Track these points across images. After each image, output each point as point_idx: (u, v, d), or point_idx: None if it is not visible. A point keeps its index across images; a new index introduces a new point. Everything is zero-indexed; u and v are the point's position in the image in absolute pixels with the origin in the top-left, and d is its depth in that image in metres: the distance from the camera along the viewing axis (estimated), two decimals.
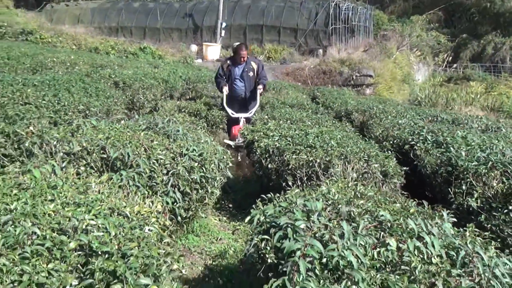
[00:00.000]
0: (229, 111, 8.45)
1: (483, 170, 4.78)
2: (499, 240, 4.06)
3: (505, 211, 4.29)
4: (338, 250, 2.31)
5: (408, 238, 2.60)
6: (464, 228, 3.04)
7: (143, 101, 9.06)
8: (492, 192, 4.59)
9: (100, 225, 2.39)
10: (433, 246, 2.60)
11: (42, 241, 2.13)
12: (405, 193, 4.81)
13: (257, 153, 5.53)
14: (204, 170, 4.27)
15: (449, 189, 4.88)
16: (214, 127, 8.54)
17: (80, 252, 2.20)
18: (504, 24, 44.05)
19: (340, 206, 2.95)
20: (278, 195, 3.35)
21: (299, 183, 4.81)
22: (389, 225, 2.82)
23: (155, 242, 2.56)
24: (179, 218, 3.96)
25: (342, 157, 5.01)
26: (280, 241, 2.55)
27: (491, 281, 2.40)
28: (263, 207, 2.99)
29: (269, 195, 3.30)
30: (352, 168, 4.91)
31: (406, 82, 27.43)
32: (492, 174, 4.75)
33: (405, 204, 3.48)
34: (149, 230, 2.65)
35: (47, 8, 32.58)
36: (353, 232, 2.60)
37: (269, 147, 5.40)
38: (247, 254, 2.94)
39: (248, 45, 9.63)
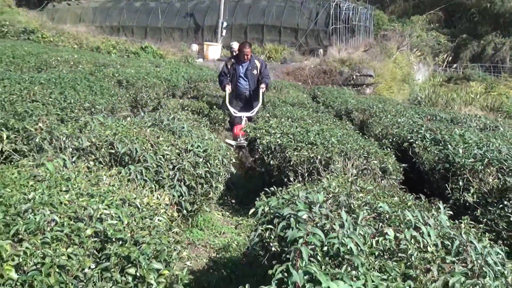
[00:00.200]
0: (232, 110, 8.51)
1: (480, 167, 4.92)
2: (494, 233, 4.21)
3: (500, 206, 4.42)
4: (338, 238, 2.44)
5: (405, 228, 2.74)
6: (460, 221, 3.18)
7: (146, 100, 9.19)
8: (488, 188, 4.73)
9: (113, 215, 2.53)
10: (429, 236, 2.73)
11: (60, 228, 2.27)
12: (403, 187, 4.94)
13: (260, 150, 5.67)
14: (209, 166, 4.41)
15: (447, 185, 5.03)
16: (216, 125, 8.64)
17: (95, 239, 2.33)
18: (504, 24, 44.17)
19: (340, 198, 3.09)
20: (280, 189, 3.48)
21: (301, 179, 4.94)
22: (387, 216, 2.95)
23: (164, 231, 2.69)
24: (184, 211, 4.10)
25: (342, 154, 5.15)
26: (284, 230, 2.68)
27: (483, 268, 2.53)
28: (267, 199, 3.12)
29: (272, 188, 3.43)
30: (352, 165, 5.04)
31: (406, 82, 27.54)
32: (488, 171, 4.89)
33: (403, 198, 3.62)
34: (158, 220, 2.78)
35: (49, 7, 32.69)
36: (352, 223, 2.74)
37: (271, 144, 5.54)
38: (251, 244, 3.08)
39: (251, 43, 9.66)
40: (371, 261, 2.38)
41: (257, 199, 3.19)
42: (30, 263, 1.99)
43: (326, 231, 2.59)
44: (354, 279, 2.10)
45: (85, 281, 2.06)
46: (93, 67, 11.03)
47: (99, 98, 6.95)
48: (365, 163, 5.17)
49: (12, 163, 3.53)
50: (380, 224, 2.86)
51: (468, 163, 5.03)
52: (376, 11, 34.50)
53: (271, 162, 5.39)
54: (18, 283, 1.90)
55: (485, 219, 4.39)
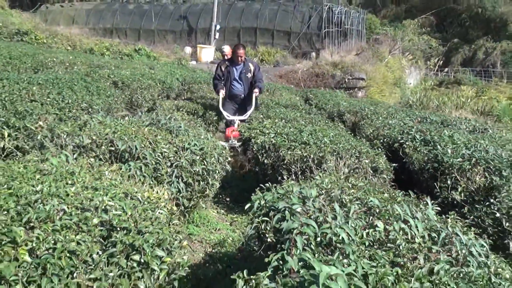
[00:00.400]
0: (225, 113, 8.46)
1: (467, 166, 5.09)
2: (480, 230, 4.37)
3: (487, 203, 4.59)
4: (331, 228, 2.58)
5: (394, 221, 2.88)
6: (447, 216, 3.33)
7: (141, 101, 9.30)
8: (475, 186, 4.90)
9: (117, 206, 2.66)
10: (417, 228, 2.88)
11: (69, 217, 2.40)
12: (394, 184, 5.10)
13: (254, 149, 5.81)
14: (205, 163, 4.55)
15: (435, 184, 5.19)
16: (211, 126, 8.75)
17: (102, 228, 2.47)
18: (495, 29, 44.63)
19: (333, 193, 3.23)
20: (275, 185, 3.62)
21: (294, 177, 5.08)
22: (377, 210, 3.10)
23: (165, 223, 2.83)
24: (182, 207, 4.23)
25: (335, 153, 5.29)
26: (279, 222, 2.82)
27: (467, 258, 2.68)
28: (262, 194, 3.26)
29: (267, 185, 3.56)
30: (344, 164, 5.19)
31: (397, 86, 27.77)
32: (476, 170, 5.06)
33: (393, 194, 3.76)
34: (159, 213, 2.91)
35: (42, 8, 32.73)
36: (344, 215, 2.88)
37: (265, 144, 5.68)
38: (246, 238, 3.21)
39: (245, 46, 9.66)
40: (361, 250, 2.52)
41: (253, 194, 3.32)
42: (42, 248, 2.12)
43: (319, 223, 2.73)
44: (346, 265, 2.24)
45: (93, 265, 2.19)
46: (88, 69, 11.13)
47: (96, 98, 7.07)
48: (357, 162, 5.32)
49: (15, 159, 3.64)
50: (371, 217, 3.01)
51: (456, 163, 5.19)
52: (368, 15, 34.80)
53: (265, 161, 5.53)
54: (32, 266, 2.04)
55: (472, 216, 4.56)
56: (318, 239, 2.61)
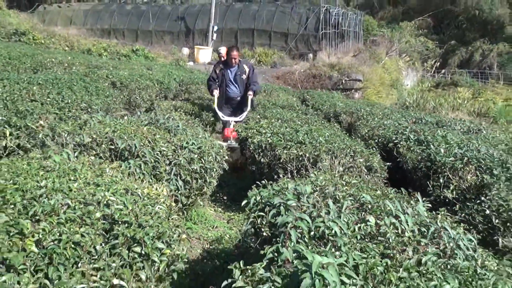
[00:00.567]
0: (220, 114, 8.46)
1: (459, 165, 5.21)
2: (471, 227, 4.49)
3: (478, 201, 4.71)
4: (324, 222, 2.69)
5: (385, 216, 2.99)
6: (437, 212, 3.44)
7: (139, 101, 9.40)
8: (467, 185, 5.02)
9: (118, 201, 2.77)
10: (407, 223, 3.00)
11: (73, 211, 2.51)
12: (386, 182, 5.22)
13: (251, 149, 5.91)
14: (203, 162, 4.66)
15: (428, 182, 5.31)
16: (208, 126, 8.83)
17: (104, 221, 2.57)
18: (492, 31, 44.79)
19: (327, 190, 3.34)
20: (271, 182, 3.72)
21: (290, 176, 5.19)
22: (369, 206, 3.21)
23: (164, 218, 2.93)
24: (180, 204, 4.34)
25: (330, 152, 5.40)
26: (274, 217, 2.93)
27: (455, 251, 2.79)
28: (258, 191, 3.37)
29: (263, 182, 3.67)
30: (339, 162, 5.30)
31: (394, 87, 27.88)
32: (467, 169, 5.17)
33: (385, 191, 3.87)
34: (159, 208, 3.02)
35: (40, 9, 32.80)
36: (337, 211, 2.99)
37: (262, 143, 5.78)
38: (243, 235, 3.32)
39: (239, 48, 9.67)
40: (353, 243, 2.63)
41: (249, 191, 3.43)
42: (48, 239, 2.23)
43: (313, 217, 2.84)
44: (337, 256, 2.35)
45: (96, 256, 2.30)
46: (87, 69, 11.22)
47: (95, 98, 7.16)
48: (351, 161, 5.43)
49: (18, 157, 3.74)
50: (363, 212, 3.12)
51: (448, 162, 5.31)
52: (365, 16, 34.93)
53: (262, 160, 5.64)
54: (39, 256, 2.14)
55: (463, 214, 4.68)
56: (312, 233, 2.72)
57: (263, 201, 3.19)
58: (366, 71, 23.65)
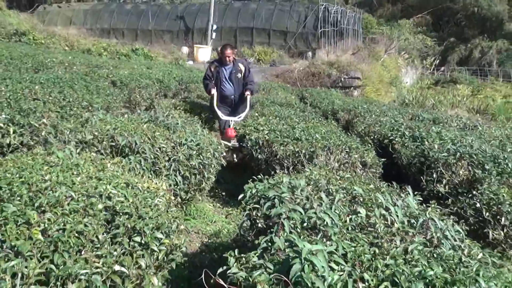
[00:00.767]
0: (219, 113, 8.43)
1: (452, 160, 5.33)
2: (463, 220, 4.61)
3: (469, 195, 4.83)
4: (316, 213, 2.82)
5: (376, 207, 3.12)
6: (427, 205, 3.57)
7: (139, 100, 9.51)
8: (459, 179, 5.15)
9: (119, 194, 2.90)
10: (397, 214, 3.12)
11: (76, 203, 2.64)
12: (379, 177, 5.34)
13: (248, 145, 6.04)
14: (201, 158, 4.79)
15: (422, 177, 5.43)
16: (207, 124, 8.93)
17: (106, 213, 2.70)
18: (491, 28, 44.80)
19: (320, 183, 3.47)
20: (267, 177, 3.85)
21: (286, 172, 5.32)
22: (361, 199, 3.34)
23: (164, 210, 3.06)
24: (179, 199, 4.47)
25: (326, 149, 5.54)
26: (269, 210, 3.05)
27: (442, 241, 2.92)
28: (254, 184, 3.50)
29: (259, 176, 3.79)
30: (334, 158, 5.43)
31: (393, 85, 27.93)
32: (460, 164, 5.30)
33: (378, 185, 4.00)
34: (158, 201, 3.15)
35: (40, 9, 32.89)
36: (329, 203, 3.12)
37: (259, 140, 5.92)
38: (240, 229, 3.45)
39: (233, 46, 9.63)
40: (343, 233, 2.75)
41: (246, 185, 3.56)
42: (53, 229, 2.36)
43: (306, 209, 2.97)
44: (328, 245, 2.47)
45: (99, 245, 2.43)
46: (87, 69, 11.34)
47: (96, 97, 7.28)
48: (347, 157, 5.56)
49: (22, 154, 3.86)
50: (355, 205, 3.24)
51: (441, 157, 5.44)
52: (364, 14, 35.01)
53: (259, 156, 5.78)
54: (45, 244, 2.27)
55: (455, 208, 4.80)
56: (305, 224, 2.84)
57: (258, 194, 3.32)
58: (365, 69, 23.73)
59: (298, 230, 2.75)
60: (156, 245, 2.61)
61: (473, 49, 44.50)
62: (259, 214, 3.09)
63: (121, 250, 2.48)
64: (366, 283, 2.21)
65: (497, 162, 5.34)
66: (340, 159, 5.48)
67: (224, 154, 5.59)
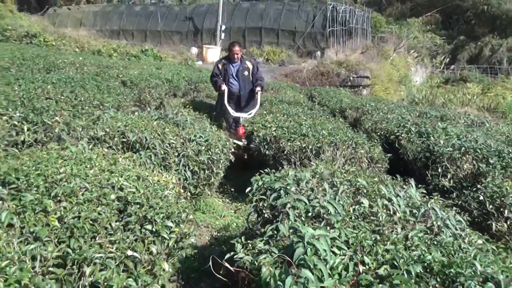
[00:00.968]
0: (230, 110, 8.51)
1: (457, 155, 5.42)
2: (467, 213, 4.70)
3: (474, 189, 4.92)
4: (320, 202, 2.93)
5: (378, 198, 3.22)
6: (430, 197, 3.66)
7: (149, 99, 9.65)
8: (464, 173, 5.23)
9: (131, 186, 3.02)
10: (399, 205, 3.22)
11: (90, 193, 2.77)
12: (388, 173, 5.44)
13: (256, 142, 6.16)
14: (210, 153, 4.91)
15: (427, 172, 5.52)
16: (215, 122, 9.01)
17: (118, 203, 2.83)
18: (501, 26, 44.54)
19: (323, 173, 3.58)
20: (273, 171, 3.96)
21: (293, 167, 5.42)
22: (365, 191, 3.44)
23: (173, 202, 3.19)
24: (188, 193, 4.59)
25: (332, 144, 5.64)
26: (275, 200, 3.17)
27: (442, 229, 3.01)
28: (261, 177, 3.61)
29: (266, 170, 3.91)
30: (341, 154, 5.53)
31: (403, 84, 27.90)
32: (465, 158, 5.39)
33: (382, 178, 4.10)
34: (168, 193, 3.27)
35: (50, 11, 33.18)
36: (333, 194, 3.23)
37: (267, 136, 6.03)
38: (250, 222, 3.56)
39: (241, 44, 9.72)
40: (346, 221, 2.86)
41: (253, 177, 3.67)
42: (69, 216, 2.49)
43: (310, 200, 3.08)
44: (330, 232, 2.58)
45: (112, 231, 2.55)
46: (98, 69, 11.49)
47: (107, 96, 7.43)
48: (353, 153, 5.66)
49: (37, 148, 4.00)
50: (358, 196, 3.35)
51: (446, 152, 5.53)
52: (373, 13, 35.00)
53: (267, 152, 5.89)
54: (62, 230, 2.40)
55: (460, 201, 4.89)
56: (310, 214, 2.95)
57: (265, 186, 3.43)
58: (374, 68, 23.76)
59: (303, 219, 2.85)
60: (167, 233, 2.74)
61: (483, 47, 44.26)
62: (265, 205, 3.20)
63: (133, 237, 2.61)
64: (367, 266, 2.31)
65: (501, 156, 5.42)
66: (346, 155, 5.58)
67: (233, 149, 5.70)
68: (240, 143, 7.51)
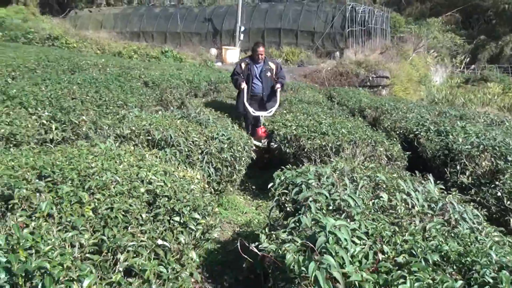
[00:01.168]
0: (250, 109, 8.50)
1: (476, 152, 5.48)
2: (485, 209, 4.76)
3: (492, 185, 4.98)
4: (340, 195, 3.04)
5: (397, 192, 3.32)
6: (448, 192, 3.75)
7: (171, 99, 9.83)
8: (482, 171, 5.29)
9: (159, 180, 3.16)
10: (417, 199, 3.32)
11: (121, 186, 2.91)
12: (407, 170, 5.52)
13: (277, 140, 6.28)
14: (232, 151, 5.05)
15: (446, 169, 5.59)
16: (236, 121, 9.12)
17: (147, 196, 2.97)
18: None
19: (344, 168, 3.69)
20: (294, 167, 4.08)
21: (314, 165, 5.53)
22: (384, 185, 3.54)
23: (199, 196, 3.32)
24: (211, 189, 4.73)
25: (352, 142, 5.74)
26: (296, 194, 3.28)
27: (459, 222, 3.10)
28: (283, 172, 3.73)
29: (288, 166, 4.02)
30: (360, 151, 5.63)
31: (422, 84, 27.80)
32: (483, 156, 5.45)
33: (400, 174, 4.19)
34: (193, 187, 3.41)
35: (71, 14, 33.64)
36: (353, 188, 3.33)
37: (287, 135, 6.15)
38: (271, 219, 3.67)
39: (264, 44, 9.75)
40: (366, 214, 2.96)
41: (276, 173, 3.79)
42: (102, 207, 2.64)
43: (331, 194, 3.18)
44: (351, 224, 2.69)
45: (142, 222, 2.69)
46: (120, 70, 11.72)
47: (130, 96, 7.61)
48: (372, 151, 5.75)
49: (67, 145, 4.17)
50: (378, 191, 3.45)
51: (465, 149, 5.59)
52: (392, 13, 34.88)
53: (287, 151, 6.01)
54: (96, 220, 2.55)
55: (478, 198, 4.95)
56: (330, 207, 3.06)
57: (287, 181, 3.55)
58: (393, 68, 23.73)
59: (324, 212, 2.96)
60: (194, 224, 2.88)
61: (504, 47, 43.82)
62: (287, 199, 3.32)
63: (163, 227, 2.75)
64: (386, 255, 2.42)
65: None
66: (365, 152, 5.67)
67: (254, 147, 5.83)
68: (260, 144, 7.56)
